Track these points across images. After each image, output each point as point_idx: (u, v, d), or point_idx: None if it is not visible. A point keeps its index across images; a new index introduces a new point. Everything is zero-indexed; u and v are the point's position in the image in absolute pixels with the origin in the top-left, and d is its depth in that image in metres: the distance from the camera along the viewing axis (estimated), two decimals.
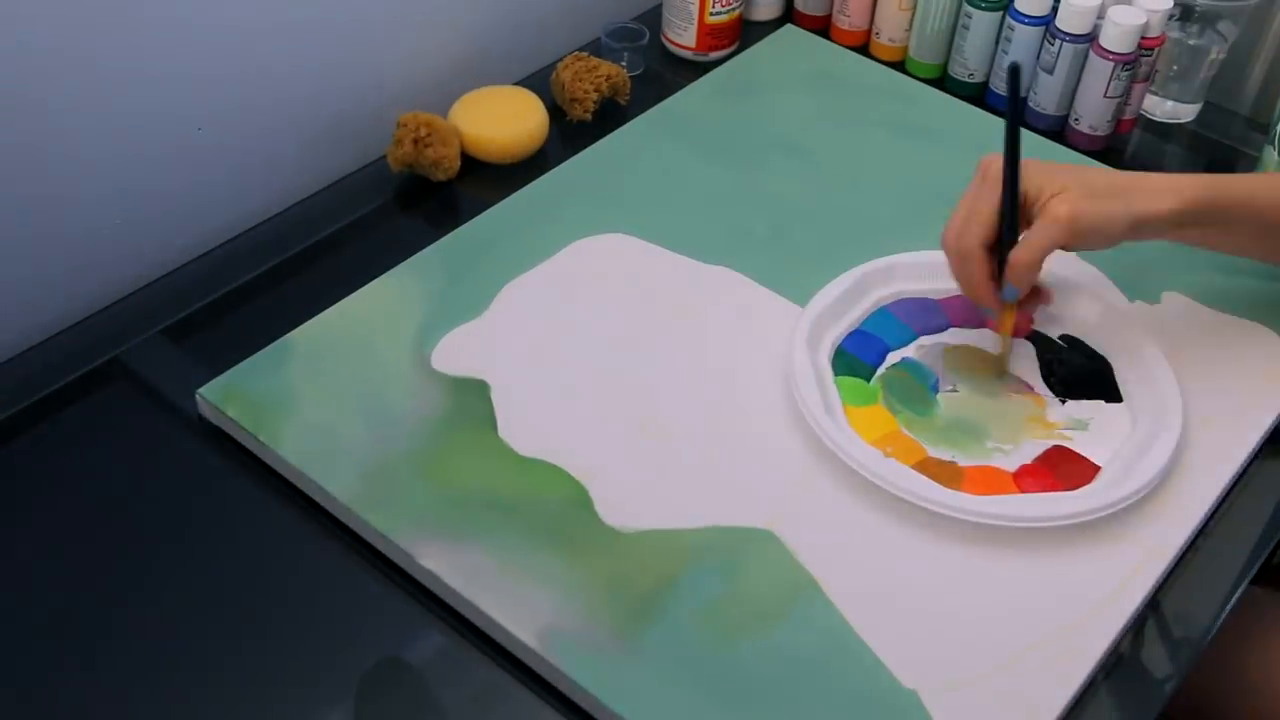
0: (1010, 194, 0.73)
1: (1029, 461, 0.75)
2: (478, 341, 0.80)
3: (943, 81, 1.07)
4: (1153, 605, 0.70)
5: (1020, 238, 0.73)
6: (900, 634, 0.66)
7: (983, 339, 0.81)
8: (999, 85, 1.03)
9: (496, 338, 0.80)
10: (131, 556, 0.69)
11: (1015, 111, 0.73)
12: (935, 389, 0.79)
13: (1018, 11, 0.99)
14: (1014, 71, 0.73)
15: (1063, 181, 0.72)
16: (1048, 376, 0.80)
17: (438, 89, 0.98)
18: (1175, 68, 1.03)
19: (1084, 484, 0.73)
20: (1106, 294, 0.84)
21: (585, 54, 1.00)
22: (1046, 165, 0.74)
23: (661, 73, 1.07)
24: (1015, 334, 0.81)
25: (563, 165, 0.94)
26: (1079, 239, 0.72)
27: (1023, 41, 1.00)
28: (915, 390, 0.79)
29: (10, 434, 0.75)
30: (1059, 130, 1.02)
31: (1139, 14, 0.95)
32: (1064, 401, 0.78)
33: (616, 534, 0.69)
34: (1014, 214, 0.73)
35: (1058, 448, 0.76)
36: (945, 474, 0.73)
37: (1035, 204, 0.72)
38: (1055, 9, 0.98)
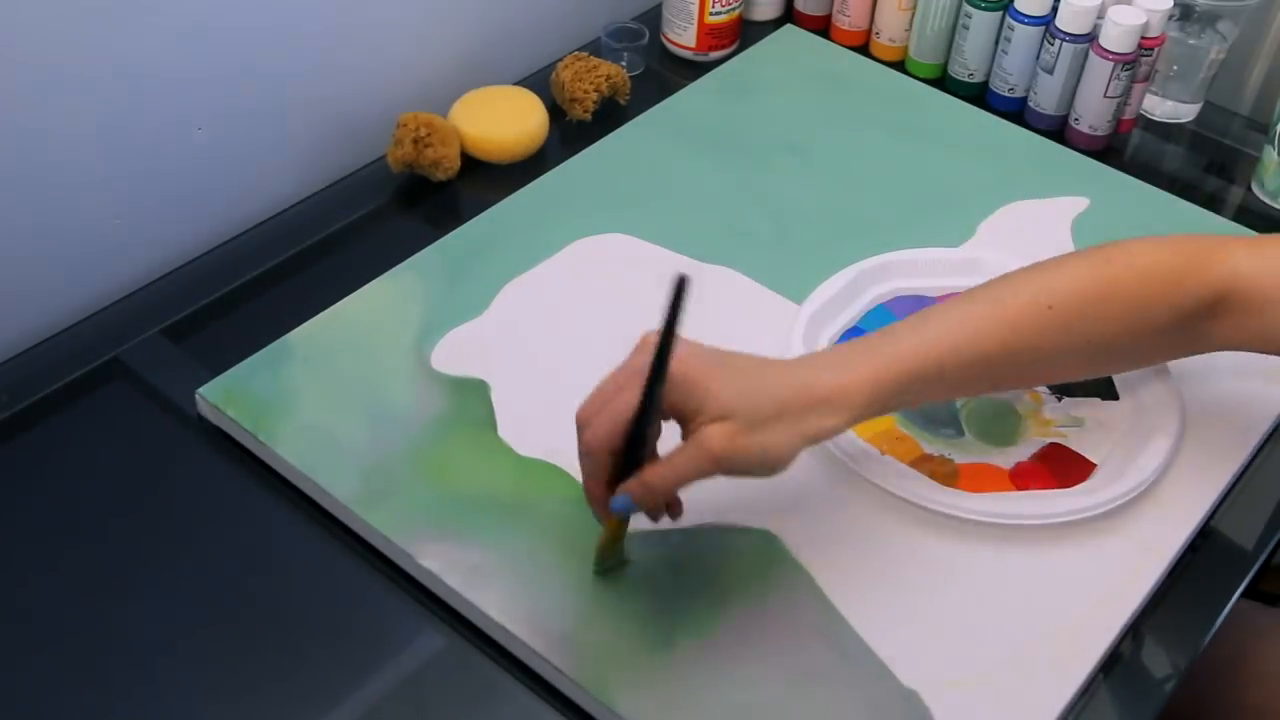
0: (646, 409, 0.60)
1: (1025, 459, 0.75)
2: (478, 341, 0.80)
3: (943, 81, 1.07)
4: (1153, 605, 0.70)
5: (666, 455, 0.61)
6: (900, 633, 0.66)
7: None
8: (999, 86, 1.03)
9: (496, 338, 0.80)
10: (131, 556, 0.69)
11: (671, 325, 0.58)
12: None
13: (1018, 11, 0.99)
14: (680, 285, 0.57)
15: (727, 405, 0.60)
16: None
17: (438, 89, 0.98)
18: (1175, 68, 1.03)
19: (1080, 482, 0.73)
20: None
21: (585, 54, 1.00)
22: (710, 374, 0.61)
23: (661, 73, 1.07)
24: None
25: (563, 165, 0.94)
26: (731, 472, 0.62)
27: (1023, 41, 1.00)
28: None
29: (10, 434, 0.75)
30: (1059, 130, 1.02)
31: (1139, 14, 0.95)
32: (1060, 399, 0.78)
33: None
34: (645, 429, 0.61)
35: (1054, 445, 0.76)
36: (941, 471, 0.73)
37: (692, 421, 0.61)
38: (1055, 9, 0.98)
